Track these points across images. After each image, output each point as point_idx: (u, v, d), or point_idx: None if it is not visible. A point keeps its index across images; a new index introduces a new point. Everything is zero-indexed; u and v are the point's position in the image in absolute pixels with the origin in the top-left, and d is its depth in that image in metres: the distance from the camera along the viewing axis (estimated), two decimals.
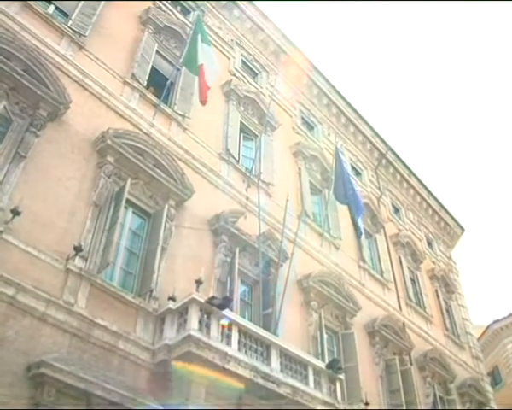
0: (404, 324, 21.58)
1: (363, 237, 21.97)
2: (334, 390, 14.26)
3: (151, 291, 12.23)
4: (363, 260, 21.79)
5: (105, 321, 11.07)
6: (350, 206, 19.13)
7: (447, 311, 27.31)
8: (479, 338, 32.81)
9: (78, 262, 11.23)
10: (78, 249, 11.19)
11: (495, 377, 36.25)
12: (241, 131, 18.98)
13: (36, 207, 11.02)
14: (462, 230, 33.23)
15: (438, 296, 27.16)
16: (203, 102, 15.70)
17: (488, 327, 39.32)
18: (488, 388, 27.13)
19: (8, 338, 9.48)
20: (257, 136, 19.18)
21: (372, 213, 24.38)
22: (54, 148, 12.14)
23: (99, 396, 10.02)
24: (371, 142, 27.69)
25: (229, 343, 11.83)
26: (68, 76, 13.38)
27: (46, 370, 9.44)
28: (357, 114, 26.95)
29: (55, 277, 10.76)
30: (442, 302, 27.17)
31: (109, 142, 12.96)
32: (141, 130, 14.49)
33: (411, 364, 20.56)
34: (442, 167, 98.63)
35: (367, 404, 16.72)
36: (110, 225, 12.22)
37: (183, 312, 11.74)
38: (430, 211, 31.32)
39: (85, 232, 11.81)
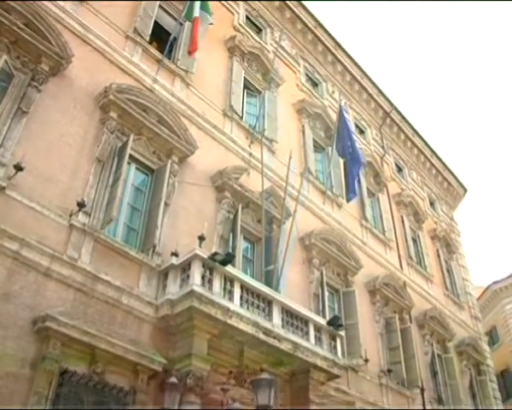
0: (404, 283, 21.78)
1: (365, 196, 21.99)
2: (335, 346, 14.47)
3: (154, 247, 12.30)
4: (366, 219, 21.84)
5: (108, 276, 11.18)
6: (346, 164, 18.92)
7: (448, 271, 27.49)
8: (478, 298, 33.11)
9: (81, 218, 11.26)
10: (81, 205, 11.22)
11: (492, 337, 36.70)
12: (245, 87, 18.78)
13: (39, 162, 11.00)
14: (465, 190, 33.18)
15: (439, 256, 27.31)
16: (191, 52, 15.39)
17: (488, 288, 39.62)
18: (486, 347, 27.51)
19: (13, 293, 9.59)
20: (261, 92, 19.00)
21: (375, 172, 24.34)
22: (56, 103, 12.03)
23: (103, 350, 10.20)
24: (376, 100, 27.41)
25: (231, 299, 11.94)
26: (70, 30, 13.12)
27: (51, 324, 9.58)
28: (363, 72, 26.60)
29: (58, 232, 10.81)
30: (443, 262, 27.34)
31: (112, 97, 12.82)
32: (144, 85, 14.33)
33: (411, 322, 20.81)
34: (446, 128, 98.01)
35: (366, 360, 17.01)
36: (113, 181, 12.21)
37: (185, 267, 11.83)
38: (433, 171, 31.24)
39: (88, 188, 11.81)
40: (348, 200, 18.80)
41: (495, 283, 39.36)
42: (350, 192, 18.43)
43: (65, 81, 12.39)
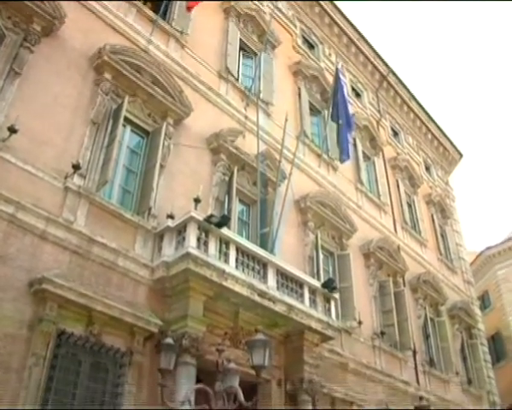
0: (398, 246, 21.92)
1: (361, 159, 21.97)
2: (329, 309, 14.61)
3: (150, 209, 12.30)
4: (361, 183, 21.85)
5: (104, 239, 11.19)
6: (340, 127, 18.80)
7: (442, 236, 27.66)
8: (471, 263, 33.36)
9: (76, 180, 11.22)
10: (76, 167, 11.16)
11: (484, 302, 37.11)
12: (241, 49, 18.54)
13: (33, 124, 10.88)
14: (461, 155, 33.16)
15: (433, 221, 27.43)
16: (190, 8, 15.18)
17: (481, 253, 39.93)
18: (477, 311, 27.86)
19: (9, 255, 9.61)
20: (256, 54, 18.76)
21: (371, 136, 24.23)
22: (49, 64, 11.85)
23: (99, 311, 10.28)
24: (373, 63, 27.13)
25: (226, 261, 12.00)
26: None
27: (47, 286, 9.63)
28: (360, 34, 26.24)
29: (53, 195, 10.78)
30: (437, 227, 27.48)
31: (106, 58, 12.65)
32: (138, 46, 14.12)
33: (404, 286, 21.02)
34: (443, 93, 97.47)
35: (360, 323, 17.23)
36: (108, 143, 12.11)
37: (181, 230, 11.84)
38: (429, 136, 31.15)
39: (83, 150, 11.73)
40: (342, 161, 18.73)
41: (488, 248, 39.65)
42: (343, 154, 18.34)
43: (58, 42, 12.18)
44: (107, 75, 12.74)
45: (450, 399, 21.58)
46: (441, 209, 28.62)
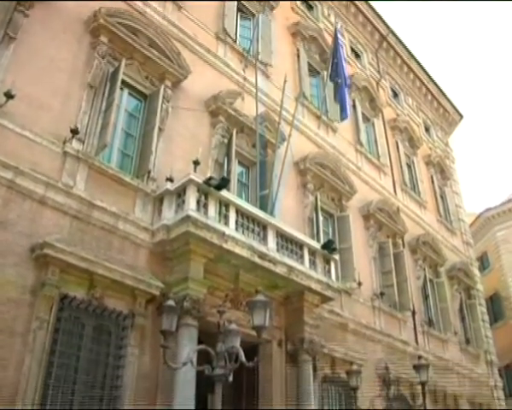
0: (398, 208, 21.96)
1: (360, 120, 21.82)
2: (329, 270, 14.73)
3: (149, 173, 12.29)
4: (361, 144, 21.74)
5: (104, 203, 11.20)
6: (339, 86, 18.65)
7: (441, 197, 27.65)
8: (470, 225, 33.39)
9: (75, 145, 11.17)
10: (74, 132, 11.12)
11: (483, 263, 37.28)
12: (239, 10, 18.23)
13: (29, 89, 10.75)
14: (461, 116, 32.92)
15: (433, 182, 27.39)
16: None
17: (480, 215, 39.95)
18: (476, 272, 28.03)
19: (10, 221, 9.64)
20: (255, 15, 18.49)
21: (371, 97, 24.02)
22: (44, 28, 11.65)
23: (101, 275, 10.37)
24: (372, 23, 26.70)
25: (226, 223, 12.04)
26: None
27: (49, 251, 9.69)
28: None
29: (52, 160, 10.76)
30: (437, 188, 27.45)
31: (102, 21, 12.46)
32: (134, 9, 13.89)
33: (404, 247, 21.14)
34: (443, 53, 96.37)
35: (360, 284, 17.38)
36: (106, 107, 12.03)
37: (180, 193, 11.86)
38: (429, 96, 30.86)
39: (81, 114, 11.64)
40: (341, 119, 18.64)
41: (487, 210, 39.67)
42: (343, 112, 18.25)
43: (52, 5, 11.93)
44: (104, 38, 12.57)
45: (449, 358, 21.91)
46: (441, 170, 28.55)
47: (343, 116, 18.28)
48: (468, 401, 22.03)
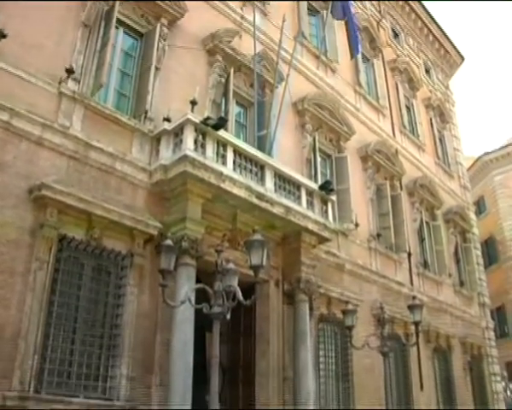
0: (396, 150, 21.86)
1: (360, 61, 21.44)
2: (326, 211, 14.79)
3: (146, 112, 12.18)
4: (360, 85, 21.43)
5: (101, 143, 11.15)
6: (347, 22, 18.29)
7: (440, 140, 27.46)
8: (468, 169, 33.32)
9: (70, 85, 11.02)
10: (69, 72, 10.95)
11: (480, 206, 37.39)
12: None
13: (22, 28, 10.47)
14: (462, 59, 32.32)
15: (432, 125, 27.13)
16: None
17: (478, 159, 39.82)
18: (472, 216, 28.15)
19: (7, 163, 9.62)
20: None
21: (371, 38, 23.49)
22: None
23: (99, 215, 10.42)
24: None
25: (224, 163, 12.01)
26: None
27: (47, 192, 9.71)
28: None
29: (48, 101, 10.63)
30: (435, 131, 27.22)
31: None
32: None
33: (401, 189, 21.17)
34: None
35: (357, 225, 17.47)
36: (101, 47, 11.79)
37: (178, 132, 11.77)
38: (430, 37, 30.14)
39: (76, 54, 11.44)
40: (352, 57, 18.40)
41: (486, 154, 39.50)
42: (354, 49, 18.05)
43: None
44: None
45: (443, 300, 22.27)
46: (440, 113, 28.26)
47: (355, 53, 18.01)
48: (459, 340, 22.55)
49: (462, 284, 24.43)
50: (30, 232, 9.61)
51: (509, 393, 28.62)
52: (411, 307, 13.64)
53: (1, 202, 9.32)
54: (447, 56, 31.43)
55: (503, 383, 27.96)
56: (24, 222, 9.59)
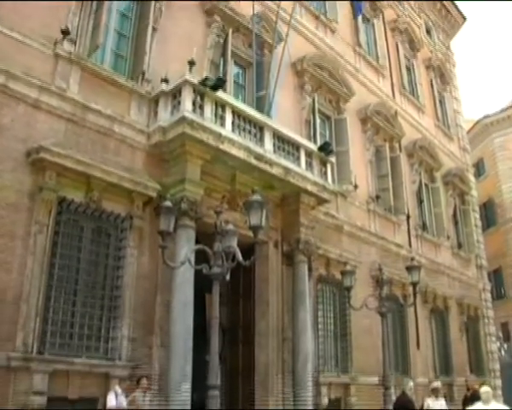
0: (396, 111, 21.70)
1: (360, 21, 21.13)
2: (325, 172, 14.79)
3: (143, 74, 12.05)
4: (359, 45, 21.13)
5: (99, 105, 11.07)
6: None
7: (440, 102, 27.25)
8: (468, 131, 33.10)
9: (66, 46, 10.86)
10: (65, 33, 10.79)
11: (479, 169, 37.25)
12: None
13: None
14: (464, 19, 31.82)
15: (432, 87, 26.87)
16: None
17: (478, 121, 39.51)
18: (471, 178, 28.14)
19: (4, 126, 9.56)
20: None
21: None
22: None
23: (98, 178, 10.42)
24: None
25: (223, 125, 11.94)
26: None
27: (45, 155, 9.68)
28: None
29: (44, 62, 10.50)
30: (436, 93, 26.99)
31: None
32: None
33: (400, 151, 21.10)
34: None
35: (356, 187, 17.49)
36: (97, 7, 11.58)
37: (176, 94, 11.68)
38: None
39: (71, 15, 11.22)
40: (355, 16, 18.09)
41: (486, 117, 39.18)
42: (357, 8, 17.80)
43: None
44: None
45: (441, 262, 22.47)
46: (441, 74, 27.95)
47: (357, 13, 17.71)
48: (456, 302, 22.83)
49: (460, 246, 24.60)
50: (29, 196, 9.62)
51: (503, 353, 29.02)
52: (409, 269, 13.75)
53: None
54: (448, 16, 30.92)
55: (498, 344, 28.35)
56: (23, 185, 9.59)
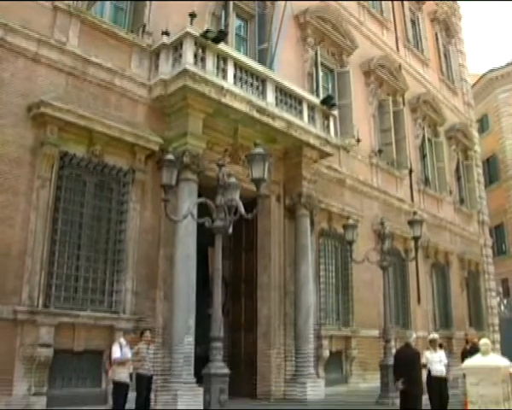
0: (400, 65, 21.45)
1: None
2: (328, 126, 14.73)
3: (144, 26, 11.90)
4: None
5: (99, 59, 10.97)
6: None
7: (445, 56, 26.88)
8: (473, 86, 32.73)
9: None
10: None
11: (483, 124, 36.88)
12: None
13: None
14: None
15: (437, 40, 26.46)
16: None
17: (483, 75, 38.94)
18: (475, 133, 28.05)
19: (4, 81, 9.49)
20: None
21: None
22: None
23: (100, 132, 10.40)
24: None
25: (224, 78, 11.85)
26: None
27: (46, 109, 9.64)
28: None
29: (43, 16, 10.36)
30: (441, 47, 26.60)
31: None
32: None
33: (404, 105, 20.92)
34: None
35: (358, 141, 17.42)
36: None
37: (177, 46, 11.55)
38: None
39: None
40: None
41: (491, 71, 38.57)
42: None
43: None
44: None
45: (443, 217, 22.58)
46: (446, 28, 27.48)
47: None
48: (457, 257, 23.04)
49: (462, 201, 24.65)
50: (31, 151, 9.62)
51: (502, 308, 29.35)
52: (411, 223, 13.80)
53: (0, 120, 9.27)
54: None
55: (498, 299, 28.67)
56: (24, 140, 9.58)
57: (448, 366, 10.27)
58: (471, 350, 10.97)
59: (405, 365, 8.70)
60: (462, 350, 13.47)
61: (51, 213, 9.63)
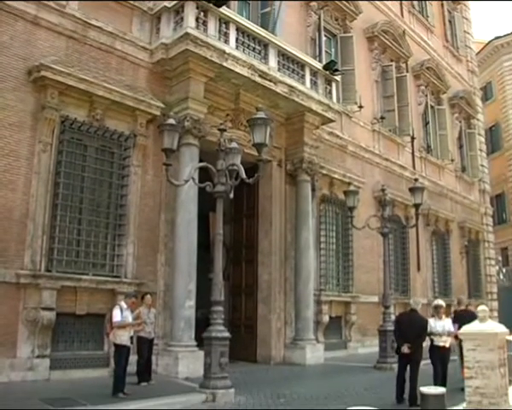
0: (404, 31, 21.13)
1: None
2: (330, 91, 14.63)
3: None
4: None
5: (100, 22, 10.83)
6: None
7: (450, 22, 26.51)
8: (477, 53, 32.34)
9: None
10: None
11: (486, 93, 36.46)
12: None
13: None
14: None
15: (442, 6, 26.08)
16: None
17: (488, 43, 38.42)
18: (478, 102, 27.83)
19: (3, 44, 9.38)
20: None
21: None
22: None
23: (101, 96, 10.32)
24: None
25: (226, 42, 11.72)
26: None
27: (46, 73, 9.54)
28: None
29: None
30: (446, 13, 26.23)
31: None
32: None
33: (407, 72, 20.72)
34: None
35: (361, 107, 17.31)
36: None
37: (179, 10, 11.39)
38: None
39: None
40: None
41: (497, 38, 37.99)
42: None
43: None
44: None
45: (444, 184, 22.60)
46: None
47: None
48: (458, 225, 23.12)
49: (463, 169, 24.64)
50: (32, 115, 9.56)
51: (501, 276, 29.51)
52: (412, 190, 13.78)
53: (0, 84, 9.19)
54: None
55: (497, 267, 28.81)
56: (25, 104, 9.51)
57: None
58: (463, 314, 10.67)
59: (410, 330, 8.66)
60: (454, 311, 13.20)
61: (53, 178, 9.64)
